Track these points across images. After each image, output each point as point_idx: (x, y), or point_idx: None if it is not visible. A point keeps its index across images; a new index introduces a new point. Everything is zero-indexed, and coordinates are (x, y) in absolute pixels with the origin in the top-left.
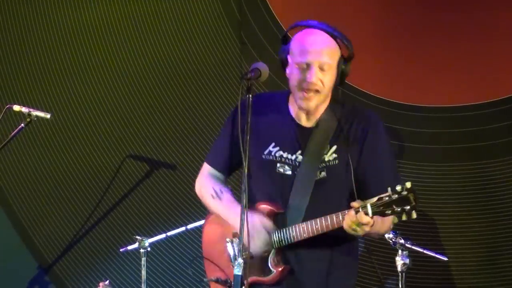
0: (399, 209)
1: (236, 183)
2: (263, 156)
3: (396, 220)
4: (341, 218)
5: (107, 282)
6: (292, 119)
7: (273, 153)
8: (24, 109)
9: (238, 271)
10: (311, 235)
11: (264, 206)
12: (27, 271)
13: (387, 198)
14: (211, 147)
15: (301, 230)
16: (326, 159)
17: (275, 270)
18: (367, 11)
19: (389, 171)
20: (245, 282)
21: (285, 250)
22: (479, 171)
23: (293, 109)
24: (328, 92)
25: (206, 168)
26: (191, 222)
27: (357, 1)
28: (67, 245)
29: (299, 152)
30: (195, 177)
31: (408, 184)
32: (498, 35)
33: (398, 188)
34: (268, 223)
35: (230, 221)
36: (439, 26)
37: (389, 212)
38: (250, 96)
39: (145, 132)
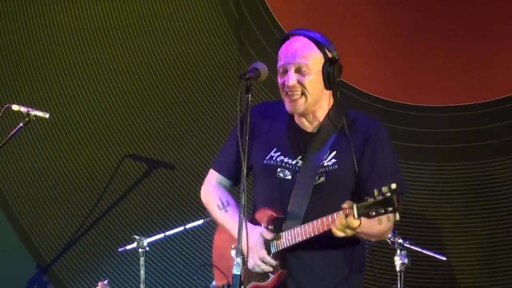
0: (382, 211)
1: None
2: (265, 161)
3: (380, 222)
4: (330, 221)
5: (105, 281)
6: (295, 125)
7: (274, 158)
8: (23, 109)
9: (237, 271)
10: (304, 238)
11: (264, 213)
12: (26, 271)
13: (372, 200)
14: (218, 153)
15: (295, 233)
16: (325, 164)
17: (273, 274)
18: (366, 10)
19: (391, 176)
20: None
21: (286, 255)
22: (478, 170)
23: (296, 116)
24: (316, 96)
25: (213, 175)
26: (189, 222)
27: (356, 1)
28: (65, 245)
29: (300, 157)
30: (194, 176)
31: (393, 186)
32: (498, 34)
33: (383, 189)
34: (269, 235)
35: (234, 234)
36: (439, 26)
37: (373, 213)
38: (249, 96)
39: (143, 132)
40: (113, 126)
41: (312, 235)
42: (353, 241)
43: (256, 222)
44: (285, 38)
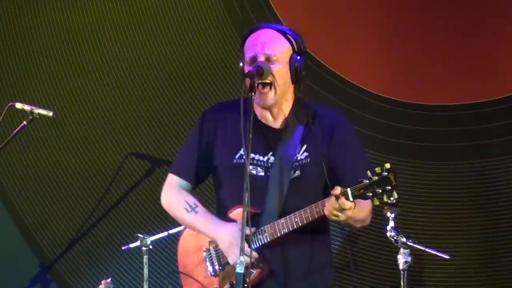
0: (380, 190)
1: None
2: (234, 161)
3: (376, 202)
4: (320, 208)
5: (109, 280)
6: (259, 122)
7: (244, 157)
8: (27, 107)
9: (240, 269)
10: (290, 229)
11: (239, 211)
12: (29, 269)
13: (367, 181)
14: (177, 157)
15: (279, 226)
16: (299, 158)
17: (254, 270)
18: (368, 10)
19: (362, 162)
20: (247, 280)
21: (265, 250)
22: (480, 169)
23: (258, 112)
24: (284, 87)
25: (173, 179)
26: None
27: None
28: (69, 243)
29: (271, 153)
30: None
31: (388, 165)
32: (498, 34)
33: (377, 169)
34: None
35: (209, 233)
36: (439, 25)
37: (370, 194)
38: (253, 94)
39: (147, 130)
40: (117, 124)
41: (300, 224)
42: (324, 234)
43: (230, 220)
44: (251, 31)
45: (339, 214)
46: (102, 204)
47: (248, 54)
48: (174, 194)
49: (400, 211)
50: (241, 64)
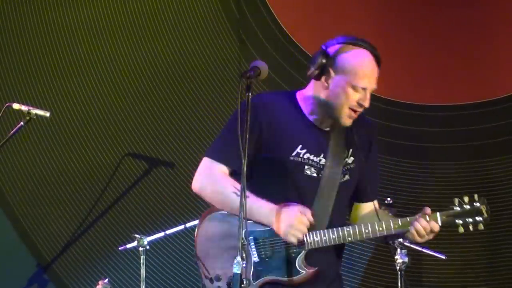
0: (470, 220)
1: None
2: (291, 158)
3: (461, 230)
4: (400, 225)
5: (106, 280)
6: (310, 121)
7: (301, 155)
8: (24, 107)
9: (237, 269)
10: (358, 239)
11: (293, 205)
12: (26, 270)
13: (458, 208)
14: (218, 143)
15: (343, 234)
16: (348, 161)
17: (306, 271)
18: (367, 9)
19: (378, 177)
20: (244, 280)
21: (313, 251)
22: (477, 169)
23: (306, 111)
24: None
25: (213, 165)
26: (189, 221)
27: None
28: (66, 243)
29: (322, 155)
30: (194, 175)
31: (476, 196)
32: (497, 34)
33: (465, 198)
34: (311, 219)
35: (262, 214)
36: (438, 25)
37: (460, 222)
38: (250, 94)
39: (143, 131)
40: (114, 125)
41: (368, 237)
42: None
43: None
44: (362, 45)
45: (426, 235)
46: (99, 205)
47: (362, 83)
48: (218, 178)
49: (397, 211)
50: (325, 66)
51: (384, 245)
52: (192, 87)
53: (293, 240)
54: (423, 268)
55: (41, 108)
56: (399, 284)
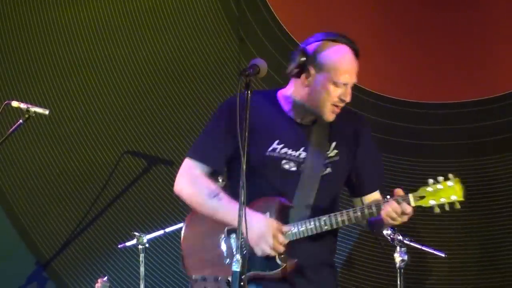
0: (443, 199)
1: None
2: (267, 153)
3: (437, 210)
4: (374, 209)
5: (105, 278)
6: (290, 117)
7: (277, 150)
8: (23, 105)
9: (236, 267)
10: (334, 227)
11: (267, 202)
12: (26, 268)
13: (430, 189)
14: (199, 143)
15: (320, 223)
16: (330, 155)
17: (284, 264)
18: (366, 9)
19: (382, 168)
20: (243, 278)
21: (291, 244)
22: (477, 167)
23: (286, 108)
24: None
25: (193, 165)
26: None
27: None
28: (65, 241)
29: (302, 148)
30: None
31: (451, 175)
32: (496, 33)
33: (439, 178)
34: (286, 228)
35: (234, 222)
36: (438, 24)
37: (433, 202)
38: (249, 92)
39: (142, 129)
40: (113, 123)
41: (347, 223)
42: (336, 230)
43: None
44: (340, 41)
45: (398, 218)
46: (99, 203)
47: (343, 78)
48: (195, 179)
49: None
50: (305, 64)
51: (384, 243)
52: (192, 86)
53: (260, 254)
54: (423, 266)
55: (40, 106)
56: (399, 282)
